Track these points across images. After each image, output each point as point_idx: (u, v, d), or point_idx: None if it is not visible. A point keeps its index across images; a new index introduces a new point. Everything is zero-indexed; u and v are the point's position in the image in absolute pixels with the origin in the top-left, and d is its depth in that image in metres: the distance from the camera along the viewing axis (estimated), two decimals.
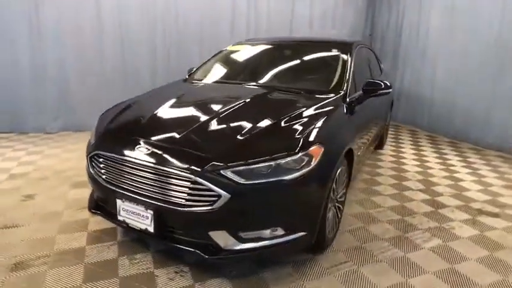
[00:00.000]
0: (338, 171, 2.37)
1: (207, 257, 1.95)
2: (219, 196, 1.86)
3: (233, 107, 2.47)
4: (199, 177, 1.87)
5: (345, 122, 2.62)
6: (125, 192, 2.10)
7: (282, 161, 1.95)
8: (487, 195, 3.64)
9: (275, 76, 3.25)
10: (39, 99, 5.10)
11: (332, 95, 2.75)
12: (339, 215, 2.67)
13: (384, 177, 3.97)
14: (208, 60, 3.69)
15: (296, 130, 2.15)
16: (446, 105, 5.88)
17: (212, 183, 1.86)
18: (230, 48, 3.76)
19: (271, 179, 1.92)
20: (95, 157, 2.27)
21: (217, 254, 1.97)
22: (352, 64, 3.12)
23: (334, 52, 3.29)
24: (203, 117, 2.30)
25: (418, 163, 4.55)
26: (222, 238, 1.95)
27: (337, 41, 3.56)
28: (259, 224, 1.98)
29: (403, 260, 2.43)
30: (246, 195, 1.90)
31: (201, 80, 3.36)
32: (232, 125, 2.23)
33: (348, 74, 2.97)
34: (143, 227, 2.06)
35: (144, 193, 2.04)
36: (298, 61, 3.41)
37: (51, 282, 2.06)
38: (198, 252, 1.96)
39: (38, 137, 5.09)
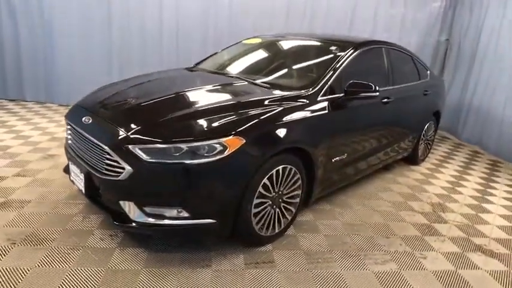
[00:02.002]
0: (278, 169, 2.31)
1: (115, 223, 2.14)
2: (123, 168, 2.03)
3: (183, 92, 2.58)
4: (111, 149, 2.06)
5: (304, 121, 2.49)
6: (72, 156, 2.43)
7: (192, 145, 2.01)
8: (504, 233, 3.00)
9: (258, 69, 3.23)
10: None
11: (301, 92, 2.63)
12: (287, 216, 2.57)
13: (390, 193, 3.57)
14: (222, 50, 3.84)
15: (220, 118, 2.17)
16: None
17: (120, 156, 2.03)
18: (244, 41, 3.85)
19: (176, 161, 2.00)
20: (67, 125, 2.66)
21: (125, 222, 2.13)
22: (344, 64, 2.91)
23: (332, 51, 3.11)
24: (147, 98, 2.47)
25: (448, 186, 3.94)
26: (129, 209, 2.11)
27: (346, 40, 3.32)
28: (162, 201, 2.08)
29: (334, 276, 2.23)
30: (148, 172, 2.02)
31: (199, 68, 3.52)
32: (166, 107, 2.35)
33: (328, 73, 2.79)
34: (80, 187, 2.35)
35: (81, 158, 2.33)
36: (291, 57, 3.33)
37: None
38: (110, 217, 2.17)
39: None
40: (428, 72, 4.37)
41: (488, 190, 3.98)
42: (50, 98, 5.99)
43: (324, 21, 6.04)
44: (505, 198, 3.79)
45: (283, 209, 2.53)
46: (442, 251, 2.64)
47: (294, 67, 3.15)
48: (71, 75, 5.83)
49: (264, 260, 2.32)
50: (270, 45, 3.55)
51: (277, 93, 2.61)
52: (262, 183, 2.25)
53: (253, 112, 2.27)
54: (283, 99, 2.51)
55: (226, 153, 2.04)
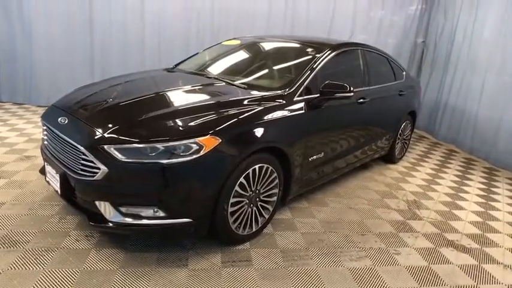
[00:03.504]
0: (255, 168, 2.34)
1: (91, 223, 2.13)
2: (99, 169, 2.02)
3: (160, 92, 2.59)
4: (86, 149, 2.05)
5: (280, 121, 2.52)
6: (48, 157, 2.40)
7: (168, 145, 2.02)
8: (476, 229, 3.11)
9: (236, 70, 3.27)
10: None
11: (277, 92, 2.67)
12: (265, 215, 2.60)
13: (367, 191, 3.65)
14: (200, 51, 3.85)
15: (196, 118, 2.18)
16: (491, 125, 5.07)
17: (95, 156, 2.03)
18: (224, 42, 3.87)
19: (151, 161, 2.00)
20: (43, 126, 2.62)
21: (101, 223, 2.12)
22: (320, 65, 2.97)
23: (309, 53, 3.16)
24: (124, 99, 2.47)
25: (424, 184, 4.05)
26: (105, 209, 2.10)
27: (323, 42, 3.39)
28: (138, 201, 2.08)
29: (309, 272, 2.28)
30: (124, 172, 2.02)
31: (179, 68, 3.52)
32: (142, 107, 2.35)
33: (305, 74, 2.84)
34: (56, 188, 2.33)
35: (57, 158, 2.31)
36: (269, 59, 3.37)
37: None
38: (86, 217, 2.16)
39: None
40: (404, 73, 4.48)
41: (462, 187, 4.11)
42: (27, 99, 5.87)
43: (304, 23, 6.11)
44: (478, 195, 3.93)
45: (261, 208, 2.56)
46: (416, 247, 2.72)
47: (272, 68, 3.19)
48: (50, 76, 5.73)
49: (241, 259, 2.34)
50: (249, 47, 3.59)
51: (255, 93, 2.65)
52: (238, 182, 2.28)
53: (229, 112, 2.30)
54: (260, 99, 2.55)
55: (202, 152, 2.06)
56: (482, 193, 4.01)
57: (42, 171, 2.67)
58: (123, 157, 2.00)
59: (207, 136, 2.09)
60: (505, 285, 2.41)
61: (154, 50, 5.87)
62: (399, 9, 6.43)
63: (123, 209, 2.09)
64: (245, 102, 2.46)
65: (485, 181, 4.43)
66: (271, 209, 2.66)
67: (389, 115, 4.06)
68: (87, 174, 2.08)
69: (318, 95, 2.83)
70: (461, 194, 3.90)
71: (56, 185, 2.31)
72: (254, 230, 2.55)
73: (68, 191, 2.25)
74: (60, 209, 2.71)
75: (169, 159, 2.01)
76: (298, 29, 6.11)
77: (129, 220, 2.09)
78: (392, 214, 3.22)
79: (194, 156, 2.05)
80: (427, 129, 6.50)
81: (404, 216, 3.21)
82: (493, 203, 3.75)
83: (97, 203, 2.11)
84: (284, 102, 2.61)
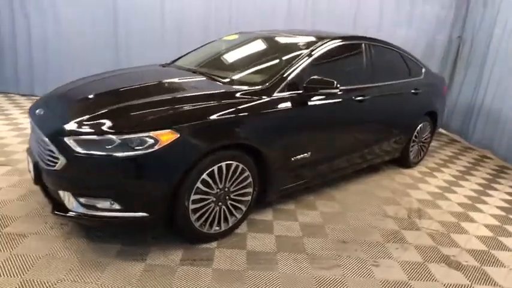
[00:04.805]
0: (221, 165, 2.27)
1: (54, 212, 2.19)
2: (58, 159, 2.07)
3: (134, 86, 2.59)
4: (48, 139, 2.12)
5: (252, 117, 2.42)
6: (28, 147, 2.52)
7: (123, 138, 2.02)
8: (482, 245, 2.76)
9: (225, 65, 3.21)
10: None
11: (254, 88, 2.57)
12: (236, 215, 2.52)
13: (367, 196, 3.41)
14: (202, 46, 3.84)
15: (158, 112, 2.15)
16: None
17: (56, 147, 2.08)
18: (224, 38, 3.82)
19: (106, 153, 2.01)
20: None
21: (64, 212, 2.18)
22: (308, 60, 2.82)
23: (300, 48, 3.01)
24: (97, 92, 2.51)
25: (436, 191, 3.69)
26: (67, 199, 2.15)
27: (320, 36, 3.19)
28: (95, 193, 2.10)
29: (269, 278, 2.16)
30: (81, 164, 2.05)
31: (174, 64, 3.52)
32: (110, 100, 2.36)
33: (289, 69, 2.71)
34: (32, 176, 2.44)
35: (32, 148, 2.41)
36: (260, 53, 3.25)
37: None
38: (51, 206, 2.22)
39: None
40: (423, 70, 4.12)
41: (483, 197, 3.69)
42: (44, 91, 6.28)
43: (326, 19, 5.87)
44: (498, 207, 3.50)
45: (232, 207, 2.48)
46: (401, 260, 2.47)
47: (259, 63, 3.06)
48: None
49: (202, 258, 2.28)
50: (245, 42, 3.49)
51: (230, 88, 2.57)
52: (201, 179, 2.22)
53: (193, 107, 2.24)
54: (232, 94, 2.46)
55: (157, 147, 2.03)
56: (505, 205, 3.57)
57: None
58: (80, 148, 2.03)
59: (164, 130, 2.06)
60: None
61: (173, 46, 5.98)
62: (432, 0, 5.93)
63: (82, 200, 2.12)
64: (215, 97, 2.39)
65: None
66: (244, 209, 2.56)
67: (399, 115, 3.75)
68: (51, 164, 2.14)
69: (302, 91, 2.68)
70: (478, 205, 3.50)
71: (32, 173, 2.42)
72: (223, 229, 2.47)
73: (39, 179, 2.34)
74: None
75: (124, 152, 2.01)
76: (319, 25, 5.88)
77: (87, 211, 2.12)
78: (386, 222, 2.97)
79: (149, 150, 2.02)
80: (460, 132, 5.94)
81: (400, 225, 2.94)
82: None
83: (60, 192, 2.17)
84: (260, 98, 2.50)
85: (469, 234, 2.92)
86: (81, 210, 2.12)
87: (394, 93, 3.59)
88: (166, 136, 2.06)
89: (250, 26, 5.57)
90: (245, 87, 2.56)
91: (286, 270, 2.24)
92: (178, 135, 2.08)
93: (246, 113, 2.39)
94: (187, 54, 3.72)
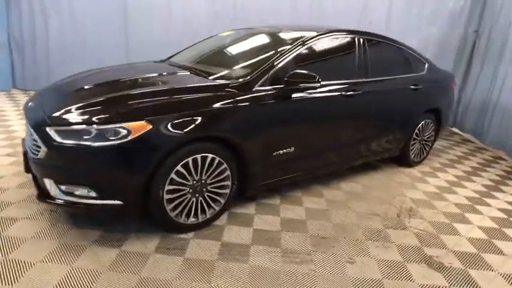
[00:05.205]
0: (196, 157, 2.32)
1: (38, 199, 2.32)
2: (41, 148, 2.20)
3: (118, 80, 2.70)
4: (32, 129, 2.25)
5: (228, 110, 2.44)
6: (23, 138, 2.68)
7: (100, 128, 2.11)
8: (472, 247, 2.65)
9: (214, 60, 3.26)
10: None
11: (234, 81, 2.60)
12: (215, 207, 2.56)
13: (358, 194, 3.35)
14: (198, 42, 3.91)
15: (133, 105, 2.23)
16: None
17: (39, 136, 2.21)
18: (220, 34, 3.87)
19: (83, 143, 2.11)
20: None
21: (47, 199, 2.30)
22: (292, 54, 2.82)
23: (287, 42, 3.01)
24: (84, 85, 2.63)
25: (435, 191, 3.57)
26: (50, 186, 2.27)
27: (308, 30, 3.16)
28: (73, 181, 2.21)
29: (237, 269, 2.19)
30: (59, 152, 2.16)
31: (169, 60, 3.60)
32: (93, 93, 2.47)
33: (271, 63, 2.71)
34: (23, 165, 2.59)
35: (26, 139, 2.56)
36: (249, 49, 3.28)
37: None
38: (37, 193, 2.36)
39: None
40: (427, 65, 3.98)
41: (485, 199, 3.53)
42: None
43: (332, 15, 5.79)
44: (500, 209, 3.34)
45: (209, 199, 2.53)
46: (379, 258, 2.42)
47: (246, 58, 3.08)
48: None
49: (176, 247, 2.34)
50: (237, 38, 3.53)
51: (208, 82, 2.62)
52: (175, 170, 2.28)
53: (168, 100, 2.31)
54: (210, 88, 2.50)
55: (129, 137, 2.11)
56: (510, 207, 3.40)
57: None
58: (59, 138, 2.14)
59: (136, 122, 2.13)
60: None
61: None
62: None
63: (63, 187, 2.23)
64: (192, 90, 2.44)
65: None
66: (223, 201, 2.60)
67: (395, 112, 3.65)
68: (35, 152, 2.27)
69: (284, 85, 2.68)
70: (479, 207, 3.35)
71: (24, 161, 2.58)
72: (201, 220, 2.53)
73: (29, 168, 2.48)
74: None
75: (100, 142, 2.10)
76: (325, 22, 5.81)
77: (67, 198, 2.23)
78: (372, 220, 2.91)
79: (122, 141, 2.10)
80: (474, 132, 5.68)
81: (386, 224, 2.87)
82: None
83: (45, 180, 2.30)
84: (237, 91, 2.52)
85: (460, 236, 2.81)
86: (62, 197, 2.24)
87: (388, 88, 3.50)
88: (140, 127, 2.13)
89: (254, 22, 5.60)
90: (224, 81, 2.60)
91: (256, 262, 2.26)
92: (151, 127, 2.15)
93: (222, 107, 2.42)
94: (183, 50, 3.80)
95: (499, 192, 3.75)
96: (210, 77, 2.74)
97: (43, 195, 2.32)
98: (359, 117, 3.32)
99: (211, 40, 3.79)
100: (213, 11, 5.93)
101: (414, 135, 3.94)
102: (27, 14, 6.04)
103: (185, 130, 2.26)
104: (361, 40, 3.33)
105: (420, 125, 3.94)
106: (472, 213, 3.21)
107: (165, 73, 2.90)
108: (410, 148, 3.98)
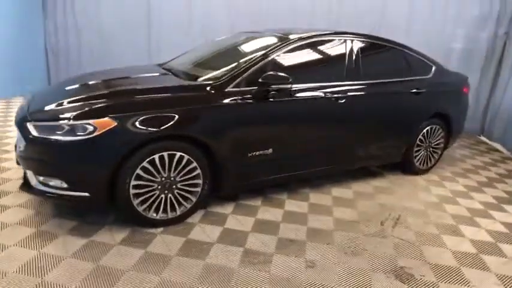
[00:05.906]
0: (163, 155, 2.41)
1: (19, 188, 2.54)
2: (22, 142, 2.41)
3: (103, 80, 2.89)
4: (16, 125, 2.47)
5: (196, 111, 2.51)
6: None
7: (71, 124, 2.27)
8: (454, 261, 2.45)
9: (203, 63, 3.35)
10: None
11: (206, 82, 2.68)
12: (186, 204, 2.62)
13: (346, 201, 3.23)
14: (198, 46, 4.03)
15: (103, 103, 2.37)
16: None
17: (20, 131, 2.42)
18: (217, 39, 3.96)
19: (54, 137, 2.29)
20: None
21: (29, 189, 2.51)
22: (269, 57, 2.84)
23: (270, 44, 3.01)
24: (73, 85, 2.85)
25: (433, 201, 3.34)
26: (31, 177, 2.48)
27: (293, 33, 3.15)
28: (47, 172, 2.39)
29: (190, 266, 2.22)
30: (35, 146, 2.36)
31: (167, 64, 3.73)
32: (74, 92, 2.67)
33: (247, 65, 2.74)
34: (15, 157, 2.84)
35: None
36: (237, 52, 3.31)
37: None
38: (21, 183, 2.58)
39: None
40: (434, 68, 3.76)
41: (490, 211, 3.24)
42: None
43: (351, 18, 5.65)
44: (504, 223, 3.04)
45: (180, 197, 2.59)
46: (343, 265, 2.32)
47: (230, 61, 3.09)
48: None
49: (140, 241, 2.43)
50: (229, 43, 3.59)
51: (182, 82, 2.71)
52: (141, 166, 2.37)
53: (135, 98, 2.44)
54: (181, 88, 2.59)
55: (95, 133, 2.25)
56: None
57: None
58: (36, 132, 2.34)
59: (102, 119, 2.27)
60: None
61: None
62: None
63: (40, 178, 2.42)
64: (163, 90, 2.55)
65: None
66: (194, 199, 2.65)
67: (392, 116, 3.49)
68: (20, 146, 2.49)
69: (257, 87, 2.69)
70: (479, 219, 3.08)
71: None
72: (170, 217, 2.60)
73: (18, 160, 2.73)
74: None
75: (70, 137, 2.26)
76: (344, 25, 5.68)
77: (44, 188, 2.42)
78: (351, 227, 2.80)
79: (88, 136, 2.25)
80: (502, 141, 5.22)
81: (364, 231, 2.75)
82: None
83: (27, 171, 2.51)
84: (208, 92, 2.58)
85: (445, 248, 2.61)
86: (40, 187, 2.43)
87: (384, 92, 3.36)
88: (105, 124, 2.26)
89: (270, 25, 5.66)
90: (196, 82, 2.67)
91: (212, 261, 2.28)
92: (116, 124, 2.27)
93: (191, 106, 2.49)
94: (182, 54, 3.94)
95: (510, 205, 3.42)
96: (199, 80, 2.81)
97: (26, 185, 2.53)
98: (346, 121, 3.21)
99: (208, 44, 3.90)
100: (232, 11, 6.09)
101: (418, 142, 3.73)
102: (61, 26, 6.63)
103: (150, 128, 2.36)
104: (353, 42, 3.24)
105: (425, 130, 3.72)
106: (469, 226, 2.96)
107: (147, 75, 3.04)
108: (415, 155, 3.76)
